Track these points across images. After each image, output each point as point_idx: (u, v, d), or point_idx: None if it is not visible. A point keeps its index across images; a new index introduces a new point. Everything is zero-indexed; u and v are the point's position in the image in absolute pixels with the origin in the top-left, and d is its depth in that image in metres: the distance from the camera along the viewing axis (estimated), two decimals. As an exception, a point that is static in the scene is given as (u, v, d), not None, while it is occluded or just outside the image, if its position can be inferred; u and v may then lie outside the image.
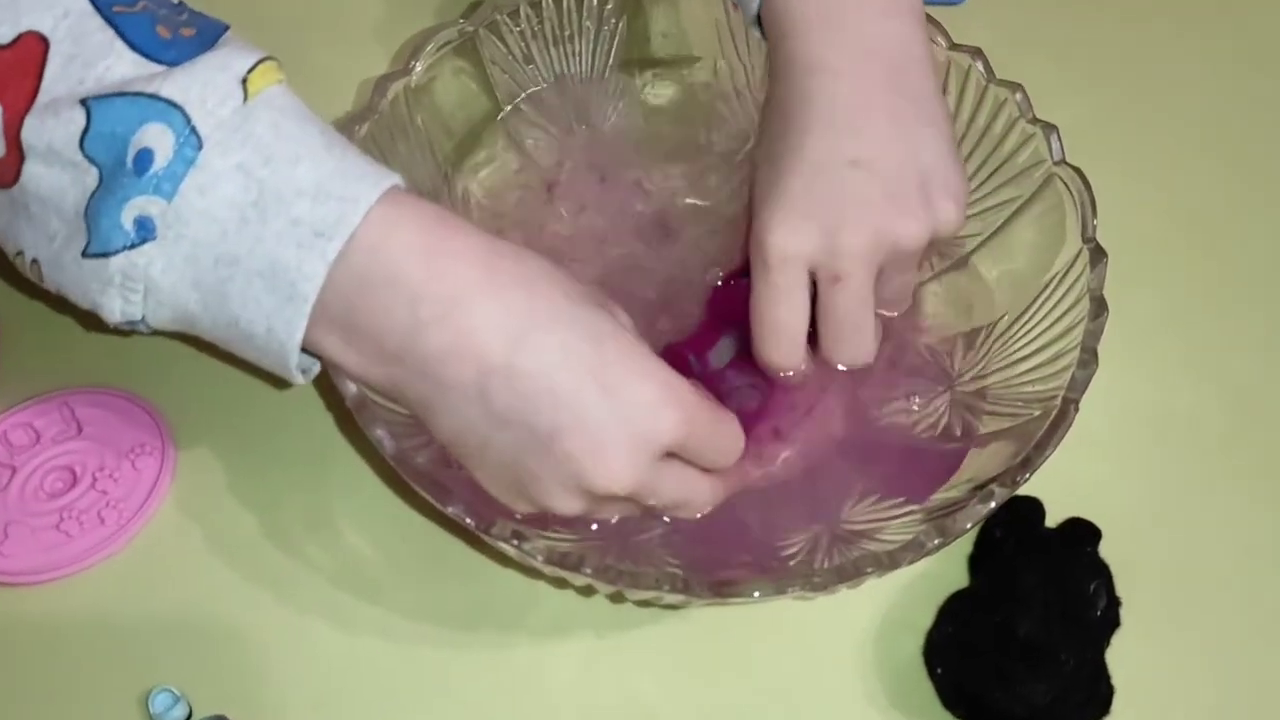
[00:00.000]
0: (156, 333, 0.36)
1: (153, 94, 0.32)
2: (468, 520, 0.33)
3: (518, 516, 0.36)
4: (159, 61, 0.33)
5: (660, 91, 0.50)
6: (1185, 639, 0.40)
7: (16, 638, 0.40)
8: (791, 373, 0.40)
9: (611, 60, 0.49)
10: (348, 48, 0.53)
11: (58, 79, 0.33)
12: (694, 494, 0.36)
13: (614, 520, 0.37)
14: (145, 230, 0.33)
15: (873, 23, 0.39)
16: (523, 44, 0.47)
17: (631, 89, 0.49)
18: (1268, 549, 0.42)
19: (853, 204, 0.37)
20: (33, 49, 0.33)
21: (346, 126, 0.41)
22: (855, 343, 0.39)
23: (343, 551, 0.42)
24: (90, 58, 0.33)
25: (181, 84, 0.33)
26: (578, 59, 0.48)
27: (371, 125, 0.42)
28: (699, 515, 0.37)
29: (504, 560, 0.40)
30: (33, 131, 0.33)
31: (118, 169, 0.33)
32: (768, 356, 0.40)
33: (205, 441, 0.44)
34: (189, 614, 0.41)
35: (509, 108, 0.47)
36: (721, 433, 0.36)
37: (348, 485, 0.43)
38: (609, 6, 0.47)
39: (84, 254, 0.34)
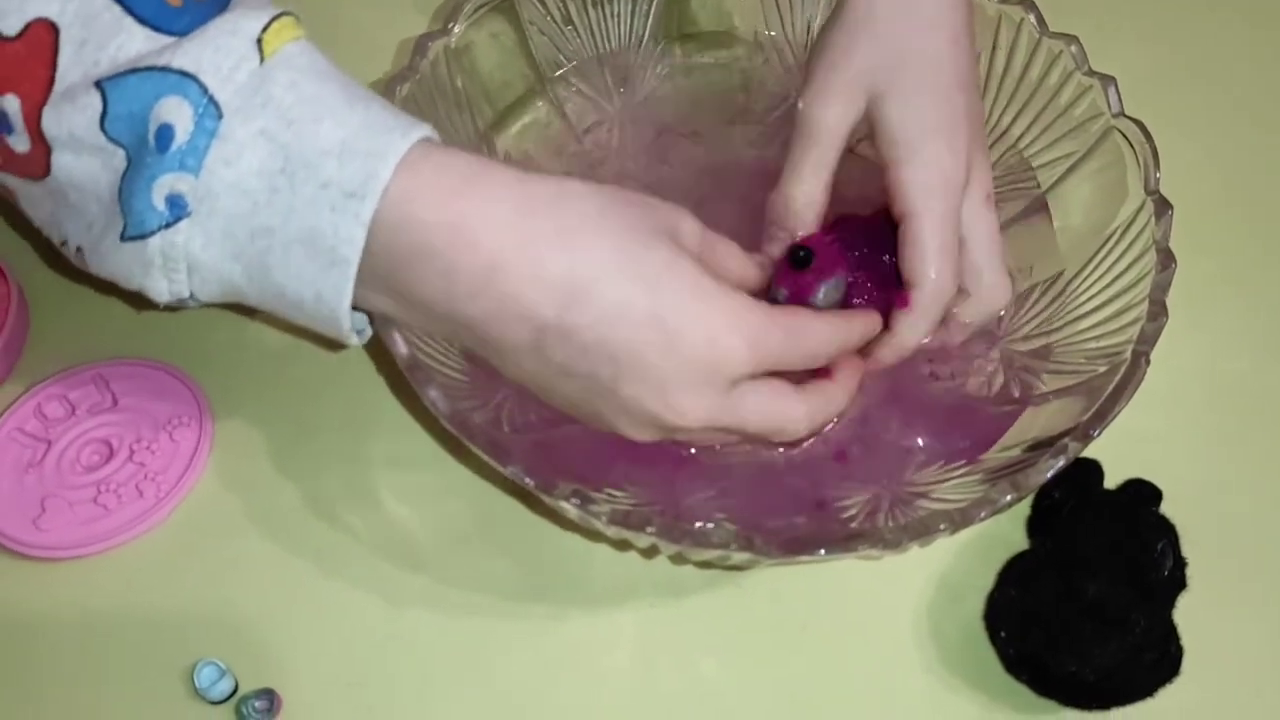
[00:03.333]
0: (207, 306, 0.36)
1: (164, 66, 0.31)
2: (527, 480, 0.32)
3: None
4: (171, 33, 0.32)
5: (700, 59, 0.49)
6: (1252, 599, 0.39)
7: (57, 613, 0.40)
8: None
9: (650, 26, 0.48)
10: (385, 8, 0.53)
11: (71, 65, 0.32)
12: (785, 418, 0.35)
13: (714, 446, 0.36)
14: (178, 208, 0.32)
15: None
16: (561, 6, 0.46)
17: (671, 55, 0.48)
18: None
19: (980, 124, 0.39)
20: (43, 37, 0.32)
21: (387, 87, 0.40)
22: (1003, 266, 0.39)
23: (386, 522, 0.41)
24: (102, 39, 0.32)
25: (193, 53, 0.32)
26: (617, 22, 0.47)
27: (412, 86, 0.41)
28: (810, 437, 0.36)
29: (562, 523, 0.40)
30: (52, 122, 0.32)
31: (142, 148, 0.32)
32: (940, 282, 0.37)
33: (243, 412, 0.44)
34: (231, 587, 0.40)
35: (552, 75, 0.46)
36: (804, 338, 0.34)
37: (389, 454, 0.43)
38: (650, -36, 0.47)
39: (122, 238, 0.33)
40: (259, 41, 0.32)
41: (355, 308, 0.34)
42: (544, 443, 0.38)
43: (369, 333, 0.36)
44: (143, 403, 0.43)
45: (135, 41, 0.32)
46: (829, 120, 0.39)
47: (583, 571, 0.40)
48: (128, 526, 0.41)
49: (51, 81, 0.32)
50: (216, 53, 0.32)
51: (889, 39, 0.38)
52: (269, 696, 0.38)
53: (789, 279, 0.38)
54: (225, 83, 0.31)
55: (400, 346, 0.35)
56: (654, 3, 0.48)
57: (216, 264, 0.33)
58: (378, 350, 0.44)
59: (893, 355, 0.38)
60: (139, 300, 0.35)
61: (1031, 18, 0.42)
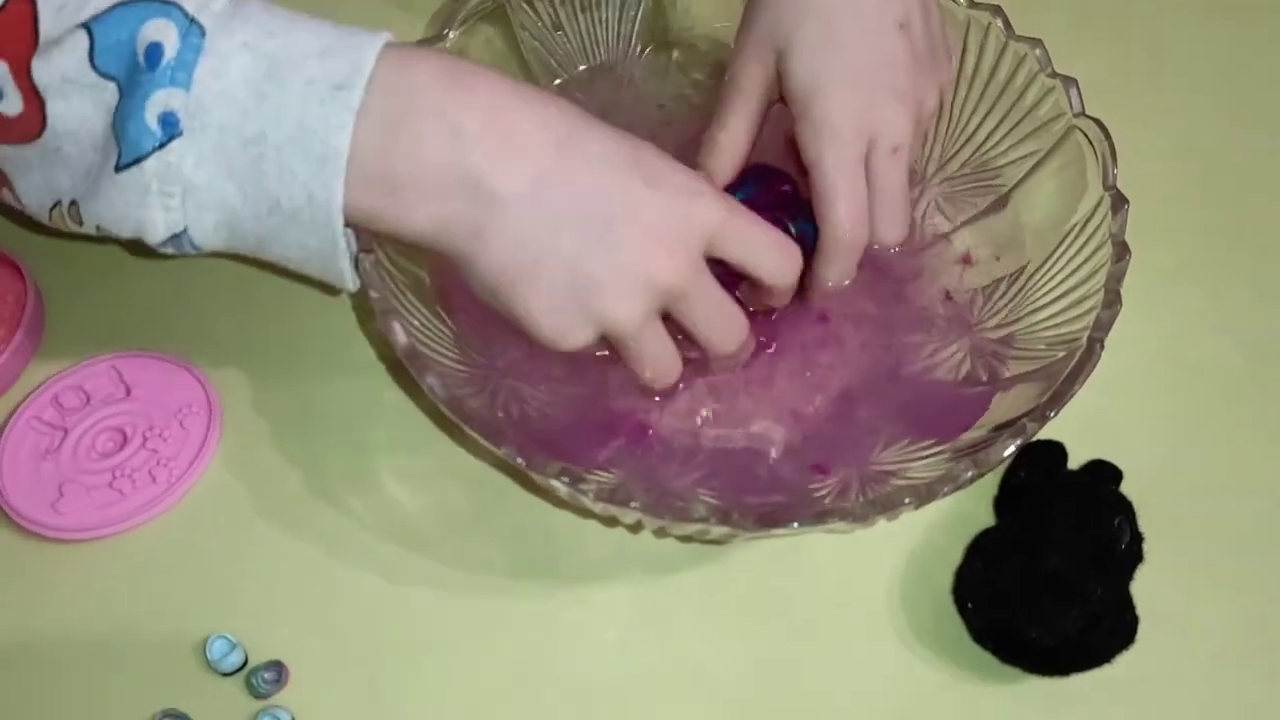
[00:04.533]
0: (201, 252, 0.37)
1: None
2: (519, 460, 0.34)
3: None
4: None
5: (688, 58, 0.51)
6: (1205, 572, 0.41)
7: (75, 592, 0.42)
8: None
9: (638, 30, 0.50)
10: (383, 15, 0.55)
11: (53, 26, 0.34)
12: (733, 313, 0.38)
13: (661, 354, 0.38)
14: (170, 125, 0.33)
15: None
16: (552, 11, 0.48)
17: (659, 58, 0.50)
18: (1284, 487, 0.44)
19: (906, 70, 0.40)
20: (19, 9, 0.34)
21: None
22: (906, 216, 0.42)
23: (386, 504, 0.43)
24: (78, 1, 0.34)
25: None
26: (605, 27, 0.49)
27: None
28: (735, 348, 0.39)
29: (554, 503, 0.42)
30: (42, 70, 0.34)
31: (133, 72, 0.33)
32: (846, 226, 0.40)
33: (249, 402, 0.46)
34: (240, 567, 0.42)
35: (544, 79, 0.48)
36: (758, 224, 0.38)
37: (389, 440, 0.45)
38: (635, -28, 0.49)
39: (117, 169, 0.34)
40: None
41: (346, 224, 0.35)
42: (536, 435, 0.40)
43: (359, 279, 0.38)
44: (154, 393, 0.45)
45: None
46: (741, 77, 0.42)
47: (574, 551, 0.42)
48: (142, 510, 0.43)
49: (35, 43, 0.34)
50: None
51: None
52: (277, 668, 0.40)
53: None
54: (204, 8, 0.33)
55: (399, 336, 0.37)
56: (641, 8, 0.50)
57: (211, 183, 0.34)
58: (377, 341, 0.47)
59: (817, 295, 0.42)
60: (138, 247, 0.36)
61: (999, 22, 0.44)
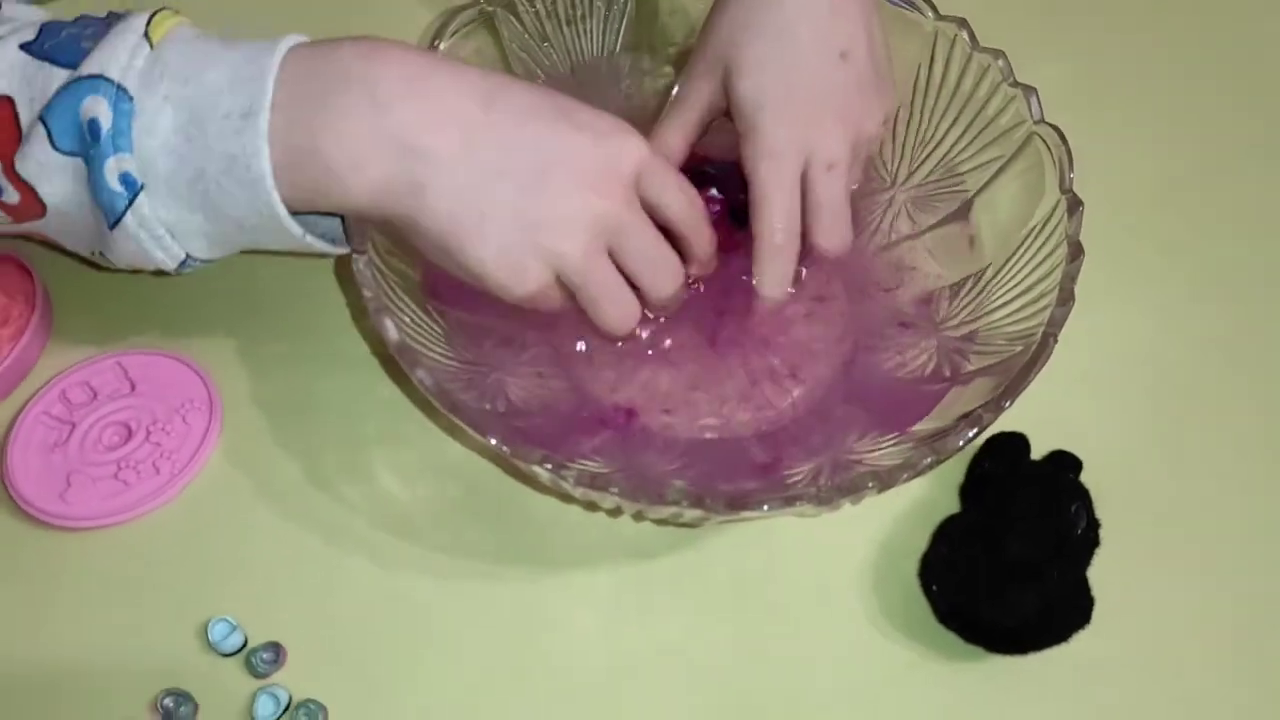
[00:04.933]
0: (214, 261, 0.41)
1: (78, 78, 0.37)
2: (504, 449, 0.36)
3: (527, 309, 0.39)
4: (80, 62, 0.37)
5: (668, 69, 0.53)
6: (1158, 556, 0.43)
7: (82, 578, 0.44)
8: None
9: (621, 39, 0.52)
10: (380, 27, 0.57)
11: (28, 119, 0.38)
12: (662, 249, 0.41)
13: (614, 290, 0.40)
14: (130, 185, 0.37)
15: None
16: (538, 23, 0.50)
17: (640, 66, 0.52)
18: (1231, 475, 0.46)
19: (845, 95, 0.42)
20: (4, 110, 0.38)
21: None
22: (844, 228, 0.44)
23: (379, 494, 0.45)
24: (41, 91, 0.38)
25: (96, 59, 0.37)
26: (589, 38, 0.52)
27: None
28: (672, 288, 0.41)
29: (539, 490, 0.44)
30: (22, 164, 0.38)
31: (86, 146, 0.37)
32: (777, 233, 0.43)
33: (248, 398, 0.48)
34: (240, 554, 0.44)
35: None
36: (674, 174, 0.40)
37: (382, 433, 0.47)
38: (619, -15, 0.51)
39: (110, 228, 0.38)
40: (146, 34, 0.37)
41: (303, 211, 0.38)
42: (521, 426, 0.42)
43: (343, 241, 0.41)
44: (158, 389, 0.47)
45: (58, 78, 0.38)
46: (686, 91, 0.45)
47: (558, 538, 0.44)
48: (145, 500, 0.45)
49: (19, 139, 0.38)
50: (114, 51, 0.37)
51: (741, 13, 0.43)
52: (275, 649, 0.42)
53: None
54: (127, 71, 0.37)
55: (391, 332, 0.39)
56: (624, 20, 0.52)
57: (181, 218, 0.38)
58: (371, 337, 0.49)
59: (761, 302, 0.45)
60: (160, 281, 0.40)
61: (964, 34, 0.47)
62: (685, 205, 0.41)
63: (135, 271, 0.42)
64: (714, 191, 0.46)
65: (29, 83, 0.38)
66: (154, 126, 0.37)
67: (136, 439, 0.46)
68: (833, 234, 0.44)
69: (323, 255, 0.41)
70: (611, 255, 0.39)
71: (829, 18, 0.42)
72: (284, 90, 0.36)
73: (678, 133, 0.45)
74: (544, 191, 0.37)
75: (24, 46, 0.39)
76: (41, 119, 0.37)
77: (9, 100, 0.38)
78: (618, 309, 0.40)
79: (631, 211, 0.39)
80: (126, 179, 0.37)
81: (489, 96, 0.37)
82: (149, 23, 0.38)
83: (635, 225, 0.39)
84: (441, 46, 0.47)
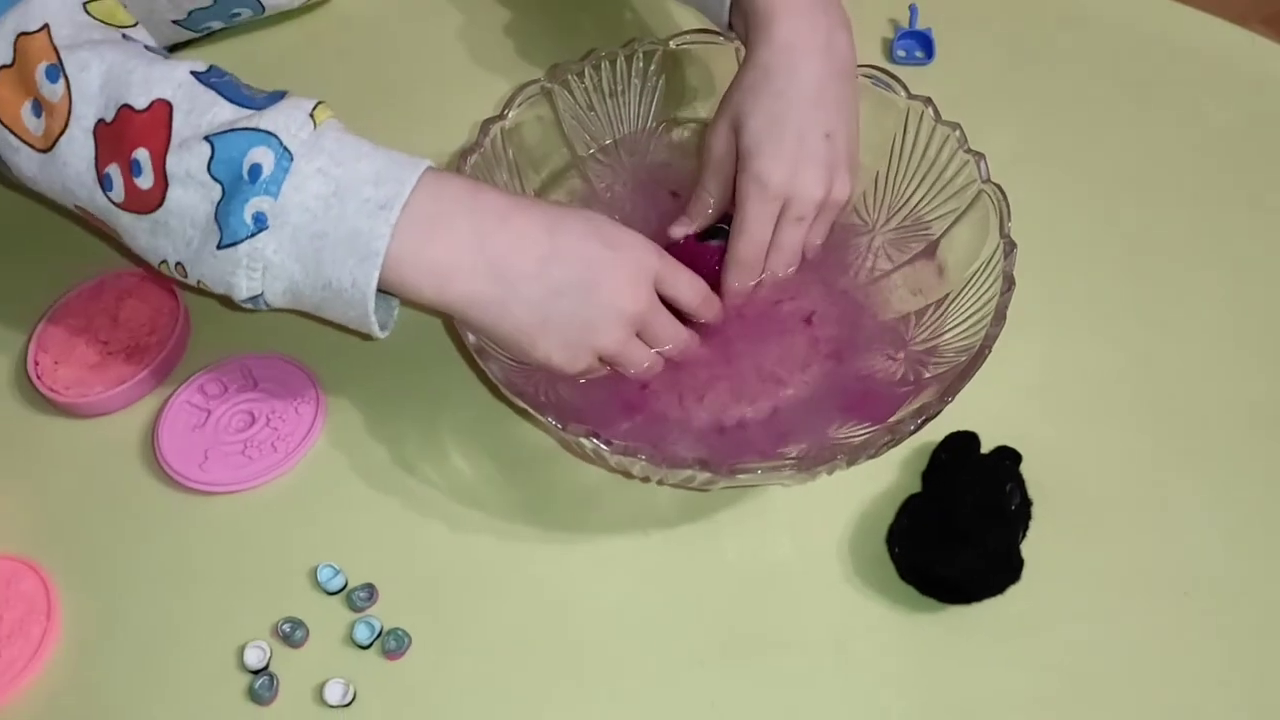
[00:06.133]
0: (272, 308, 0.49)
1: (254, 127, 0.46)
2: (556, 424, 0.47)
3: (582, 381, 0.53)
4: (248, 107, 0.47)
5: (690, 137, 0.64)
6: (1079, 531, 0.53)
7: (218, 531, 0.54)
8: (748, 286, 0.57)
9: (654, 111, 0.63)
10: (459, 97, 0.69)
11: (183, 126, 0.47)
12: (678, 330, 0.53)
13: (642, 360, 0.53)
14: (260, 222, 0.46)
15: (825, 15, 0.55)
16: (586, 96, 0.62)
17: (669, 134, 0.64)
18: (1141, 468, 0.55)
19: (823, 165, 0.54)
20: (162, 111, 0.47)
21: (460, 158, 0.56)
22: (790, 262, 0.57)
23: (451, 473, 0.56)
24: (202, 110, 0.47)
25: (271, 119, 0.47)
26: (627, 108, 0.63)
27: (478, 157, 0.56)
28: (683, 352, 0.53)
29: (583, 457, 0.54)
30: (174, 163, 0.47)
31: (237, 181, 0.46)
32: (742, 253, 0.55)
33: (347, 395, 0.59)
34: (340, 515, 0.55)
35: (581, 150, 0.62)
36: (681, 269, 0.53)
37: (455, 425, 0.57)
38: (651, 67, 0.62)
39: (218, 247, 0.47)
40: (311, 115, 0.47)
41: (394, 295, 0.49)
42: (569, 413, 0.53)
43: (390, 327, 0.51)
44: (275, 385, 0.58)
45: (225, 111, 0.47)
46: (711, 147, 0.57)
47: (593, 509, 0.54)
48: (266, 472, 0.56)
49: (170, 138, 0.47)
50: (287, 119, 0.47)
51: (748, 73, 0.55)
52: (370, 589, 0.52)
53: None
54: (293, 138, 0.46)
55: (470, 336, 0.50)
56: (656, 95, 0.63)
57: (284, 263, 0.47)
58: (449, 343, 0.59)
59: (730, 289, 0.57)
60: (226, 303, 0.49)
61: (929, 110, 0.57)
62: (693, 295, 0.53)
63: (199, 291, 0.49)
64: (721, 241, 0.58)
65: (192, 99, 0.47)
66: (302, 187, 0.45)
67: (259, 424, 0.57)
68: (779, 265, 0.57)
69: (365, 333, 0.49)
70: (639, 331, 0.52)
71: (814, 106, 0.54)
72: (413, 201, 0.46)
73: (714, 189, 0.58)
74: (593, 301, 0.49)
75: (194, 73, 0.48)
76: (210, 141, 0.46)
77: (168, 105, 0.46)
78: (643, 370, 0.53)
79: (653, 309, 0.51)
80: (259, 217, 0.46)
81: (552, 229, 0.49)
82: (315, 107, 0.47)
83: (656, 318, 0.52)
84: (510, 114, 0.58)
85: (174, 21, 0.71)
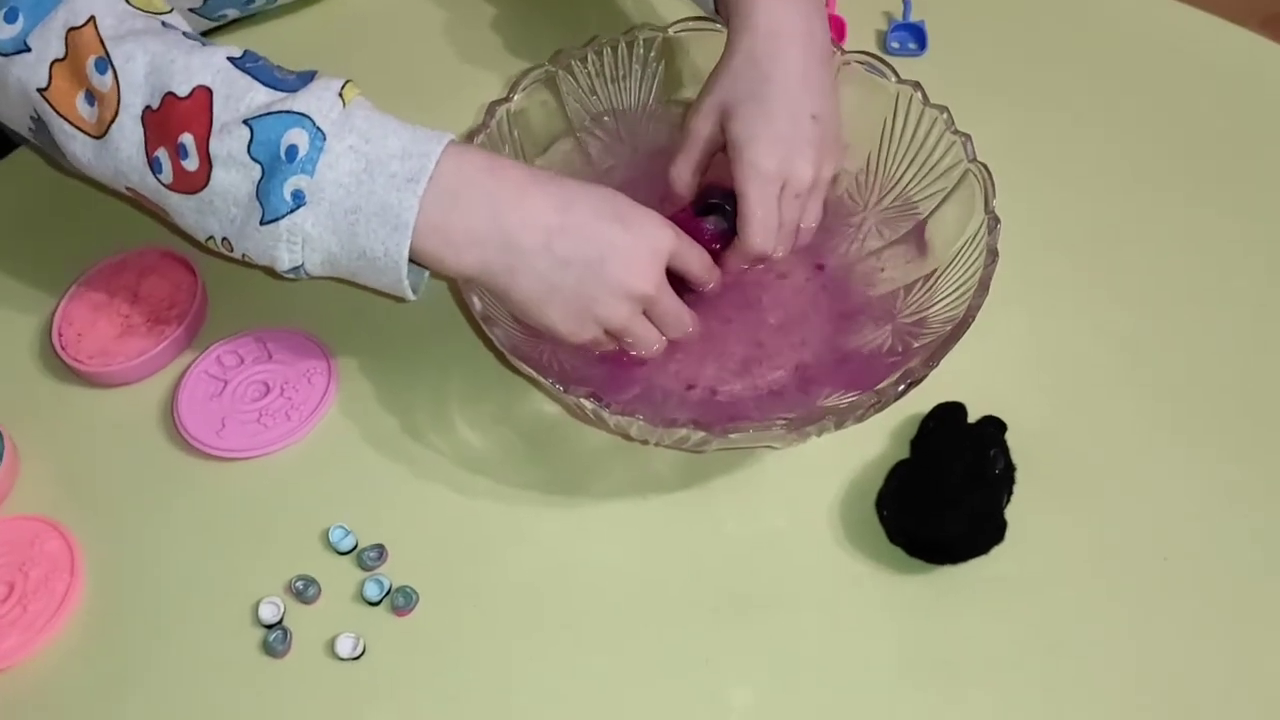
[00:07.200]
0: (311, 277, 0.52)
1: (288, 110, 0.49)
2: (558, 387, 0.49)
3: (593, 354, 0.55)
4: (281, 90, 0.50)
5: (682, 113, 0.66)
6: (1059, 496, 0.55)
7: (234, 494, 0.57)
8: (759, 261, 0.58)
9: (654, 94, 0.66)
10: (467, 81, 0.72)
11: (223, 111, 0.50)
12: (681, 314, 0.55)
13: (647, 338, 0.54)
14: (299, 199, 0.49)
15: (805, 1, 0.57)
16: (588, 80, 0.64)
17: (668, 115, 0.66)
18: (1120, 437, 0.57)
19: (813, 146, 0.56)
20: (203, 96, 0.50)
21: (468, 138, 0.58)
22: (791, 240, 0.58)
23: (457, 440, 0.58)
24: (239, 95, 0.50)
25: (303, 101, 0.50)
26: (628, 93, 0.65)
27: (484, 138, 0.59)
28: (685, 333, 0.55)
29: (584, 421, 0.57)
30: (217, 146, 0.50)
31: (275, 162, 0.49)
32: (757, 239, 0.57)
33: (359, 366, 0.61)
34: (352, 479, 0.57)
35: (581, 129, 0.64)
36: (693, 245, 0.55)
37: (461, 395, 0.60)
38: (651, 53, 0.64)
39: (261, 223, 0.50)
40: (340, 94, 0.50)
41: (415, 262, 0.51)
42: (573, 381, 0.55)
43: (420, 289, 0.53)
44: (289, 357, 0.61)
45: (261, 95, 0.50)
46: (692, 129, 0.59)
47: (594, 475, 0.57)
48: (280, 439, 0.58)
49: (212, 121, 0.50)
50: (319, 100, 0.50)
51: (734, 59, 0.56)
52: (379, 549, 0.54)
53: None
54: (325, 118, 0.49)
55: (475, 302, 0.52)
56: (656, 79, 0.65)
57: (321, 236, 0.50)
58: (458, 306, 0.62)
59: (731, 268, 0.59)
60: (269, 273, 0.52)
61: (918, 94, 0.60)
62: (702, 269, 0.56)
63: (243, 263, 0.53)
64: (717, 217, 0.60)
65: (230, 84, 0.50)
66: (336, 164, 0.49)
67: (273, 394, 0.59)
68: (785, 244, 0.59)
69: (399, 296, 0.53)
70: (644, 310, 0.54)
71: (801, 90, 0.56)
72: (437, 174, 0.49)
73: (687, 168, 0.59)
74: (600, 276, 0.51)
75: (230, 59, 0.51)
76: (249, 125, 0.49)
77: (209, 91, 0.50)
78: (647, 347, 0.55)
79: (660, 288, 0.53)
80: (298, 194, 0.49)
81: (564, 207, 0.51)
82: (343, 86, 0.50)
83: (661, 297, 0.54)
84: (515, 97, 0.61)
85: (191, 10, 0.73)
